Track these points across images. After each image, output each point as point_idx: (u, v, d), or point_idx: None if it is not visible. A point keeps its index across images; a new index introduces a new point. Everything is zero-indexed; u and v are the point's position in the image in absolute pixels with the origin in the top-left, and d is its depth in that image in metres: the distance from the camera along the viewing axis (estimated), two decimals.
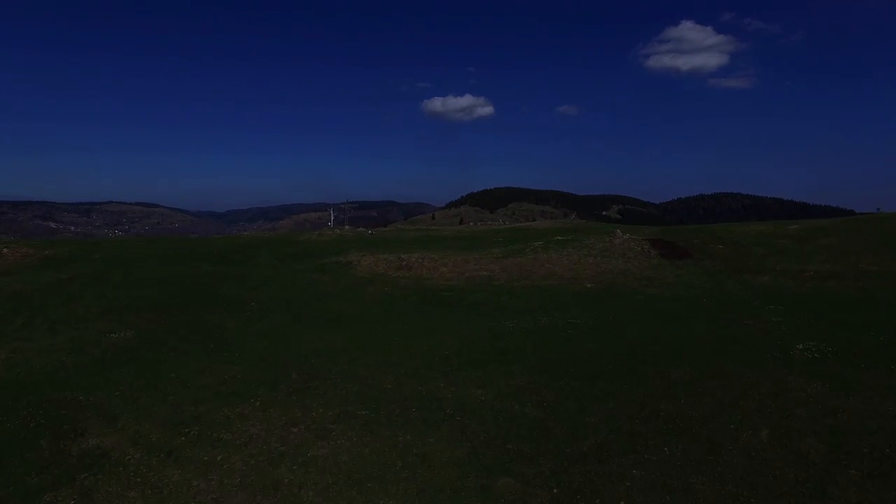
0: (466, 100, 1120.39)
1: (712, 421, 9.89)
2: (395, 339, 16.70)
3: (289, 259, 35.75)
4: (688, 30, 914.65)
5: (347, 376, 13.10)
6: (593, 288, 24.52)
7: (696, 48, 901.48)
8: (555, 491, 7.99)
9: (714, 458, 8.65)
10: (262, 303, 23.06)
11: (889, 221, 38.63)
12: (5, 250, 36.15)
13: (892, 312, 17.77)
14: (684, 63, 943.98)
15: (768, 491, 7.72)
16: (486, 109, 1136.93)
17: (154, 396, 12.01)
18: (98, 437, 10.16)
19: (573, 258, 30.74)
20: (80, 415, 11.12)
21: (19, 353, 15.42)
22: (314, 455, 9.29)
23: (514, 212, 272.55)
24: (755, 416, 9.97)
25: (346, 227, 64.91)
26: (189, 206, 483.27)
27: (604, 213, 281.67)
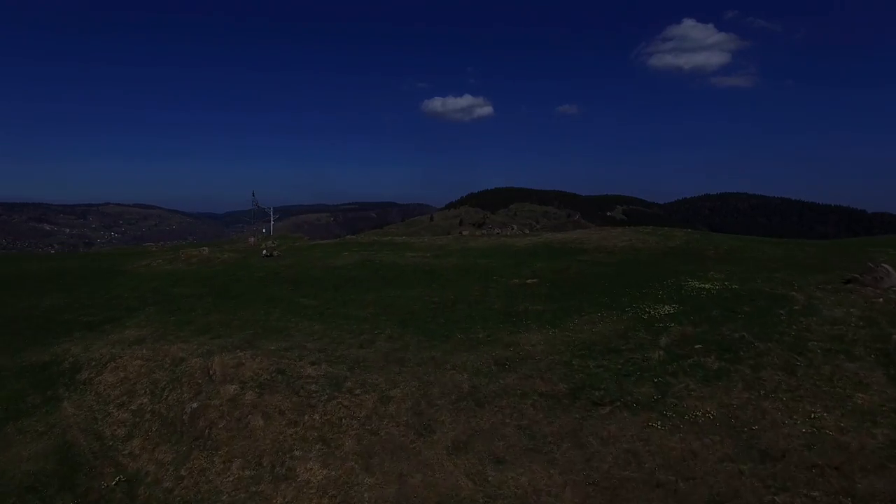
0: (466, 100, 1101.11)
1: None
2: None
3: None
4: (690, 28, 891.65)
5: None
6: None
7: (697, 46, 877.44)
8: None
9: None
10: None
11: None
12: None
13: None
14: (686, 61, 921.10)
15: None
16: (486, 109, 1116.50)
17: None
18: None
19: None
20: None
21: None
22: None
23: (516, 212, 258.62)
24: None
25: (251, 238, 48.32)
26: (187, 207, 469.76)
27: (608, 213, 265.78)
